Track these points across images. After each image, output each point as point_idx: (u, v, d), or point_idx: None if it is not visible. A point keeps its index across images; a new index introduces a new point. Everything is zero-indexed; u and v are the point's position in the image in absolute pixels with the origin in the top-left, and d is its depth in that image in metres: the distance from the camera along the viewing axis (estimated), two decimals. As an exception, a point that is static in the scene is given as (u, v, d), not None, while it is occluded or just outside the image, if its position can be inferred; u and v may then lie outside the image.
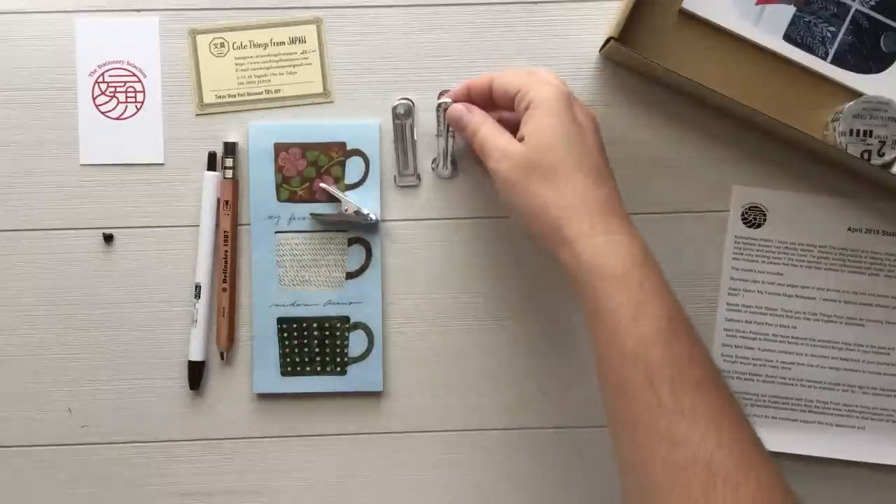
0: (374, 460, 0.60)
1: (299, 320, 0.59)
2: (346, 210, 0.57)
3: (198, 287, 0.58)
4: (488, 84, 0.54)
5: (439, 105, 0.58)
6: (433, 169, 0.59)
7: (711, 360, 0.47)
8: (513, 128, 0.53)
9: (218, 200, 0.58)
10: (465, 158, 0.59)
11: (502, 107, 0.54)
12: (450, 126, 0.57)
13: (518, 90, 0.52)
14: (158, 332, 0.59)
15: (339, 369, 0.59)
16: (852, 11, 0.57)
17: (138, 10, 0.58)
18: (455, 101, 0.56)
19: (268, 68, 0.59)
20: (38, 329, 0.59)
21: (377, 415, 0.60)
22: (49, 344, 0.59)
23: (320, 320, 0.59)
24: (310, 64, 0.59)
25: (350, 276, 0.59)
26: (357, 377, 0.59)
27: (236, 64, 0.59)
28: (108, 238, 0.59)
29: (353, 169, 0.59)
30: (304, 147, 0.59)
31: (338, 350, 0.59)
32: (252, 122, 0.59)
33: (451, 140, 0.58)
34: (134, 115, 0.59)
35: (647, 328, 0.45)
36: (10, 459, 0.59)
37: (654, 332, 0.45)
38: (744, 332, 0.60)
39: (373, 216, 0.58)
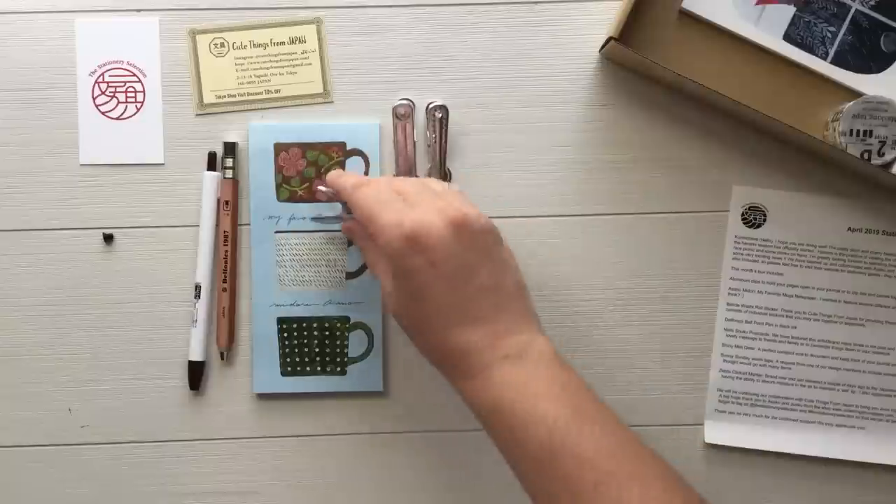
0: (374, 460, 0.60)
1: (299, 320, 0.59)
2: (348, 213, 0.57)
3: (198, 287, 0.58)
4: (345, 198, 0.53)
5: (431, 110, 0.58)
6: None
7: (593, 392, 0.48)
8: None
9: (218, 200, 0.58)
10: (457, 168, 0.59)
11: None
12: (436, 134, 0.58)
13: (369, 229, 0.50)
14: (158, 332, 0.59)
15: (339, 369, 0.59)
16: (852, 11, 0.57)
17: (138, 10, 0.58)
18: (326, 198, 0.56)
19: (268, 68, 0.59)
20: (38, 329, 0.59)
21: (377, 415, 0.60)
22: (49, 344, 0.59)
23: (320, 320, 0.59)
24: (310, 64, 0.59)
25: (350, 276, 0.59)
26: (357, 377, 0.59)
27: (236, 64, 0.59)
28: (108, 238, 0.59)
29: (353, 169, 0.59)
30: (304, 147, 0.59)
31: (338, 350, 0.59)
32: (252, 122, 0.59)
33: (444, 150, 0.58)
34: (134, 115, 0.59)
35: (537, 443, 0.46)
36: (10, 459, 0.59)
37: (544, 446, 0.46)
38: (744, 332, 0.60)
39: None
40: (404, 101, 0.58)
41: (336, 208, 0.58)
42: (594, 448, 0.45)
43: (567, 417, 0.46)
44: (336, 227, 0.59)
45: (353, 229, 0.56)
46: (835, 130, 0.56)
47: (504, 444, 0.48)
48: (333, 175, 0.54)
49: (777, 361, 0.60)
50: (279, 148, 0.59)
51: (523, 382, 0.47)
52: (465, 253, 0.47)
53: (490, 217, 0.59)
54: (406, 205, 0.48)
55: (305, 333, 0.59)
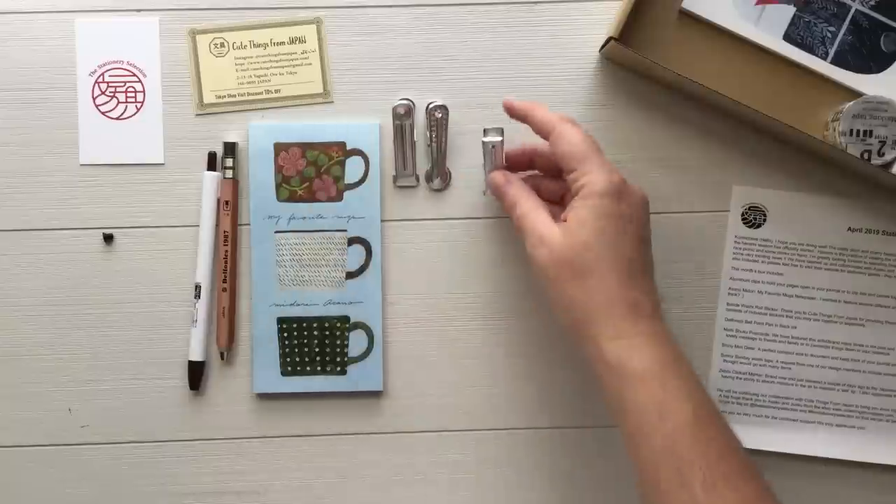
0: (374, 460, 0.60)
1: (299, 320, 0.59)
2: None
3: (198, 287, 0.58)
4: (548, 129, 0.53)
5: (431, 110, 0.58)
6: (426, 182, 0.59)
7: (741, 451, 0.49)
8: (546, 171, 0.56)
9: (218, 200, 0.58)
10: (457, 168, 0.59)
11: (553, 159, 0.54)
12: (436, 134, 0.58)
13: (575, 168, 0.51)
14: (158, 332, 0.59)
15: (339, 369, 0.59)
16: (852, 11, 0.57)
17: (138, 10, 0.58)
18: (511, 114, 0.55)
19: (268, 68, 0.59)
20: (38, 329, 0.59)
21: (377, 415, 0.60)
22: (49, 344, 0.59)
23: (320, 320, 0.59)
24: (310, 64, 0.59)
25: (350, 276, 0.59)
26: (357, 377, 0.59)
27: (236, 64, 0.59)
28: (108, 238, 0.59)
29: (353, 169, 0.59)
30: (304, 147, 0.59)
31: (338, 350, 0.59)
32: (252, 121, 0.59)
33: (443, 150, 0.58)
34: (134, 115, 0.59)
35: (673, 425, 0.47)
36: (10, 459, 0.59)
37: (680, 429, 0.47)
38: (744, 332, 0.60)
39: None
40: (404, 101, 0.58)
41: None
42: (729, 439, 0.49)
43: (709, 405, 0.49)
44: (336, 227, 0.58)
45: (500, 181, 0.55)
46: (835, 130, 0.56)
47: (640, 413, 0.49)
48: (532, 105, 0.54)
49: (777, 361, 0.60)
50: (279, 148, 0.59)
51: (671, 363, 0.49)
52: (647, 223, 0.52)
53: (492, 216, 0.59)
54: (607, 160, 0.52)
55: (305, 333, 0.59)
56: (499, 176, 0.55)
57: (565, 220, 0.51)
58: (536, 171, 0.57)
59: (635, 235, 0.51)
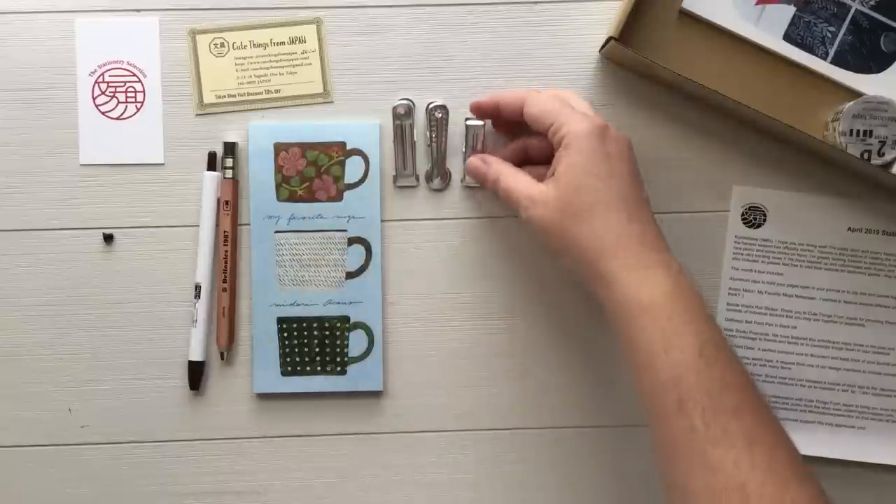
0: (374, 460, 0.60)
1: (299, 320, 0.59)
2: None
3: (198, 287, 0.58)
4: (520, 104, 0.54)
5: (431, 110, 0.58)
6: (426, 182, 0.59)
7: (749, 383, 0.48)
8: (540, 155, 0.56)
9: (218, 200, 0.58)
10: (457, 168, 0.59)
11: (533, 130, 0.54)
12: (436, 134, 0.58)
13: (552, 122, 0.52)
14: (158, 332, 0.59)
15: (339, 369, 0.59)
16: (852, 11, 0.57)
17: (138, 10, 0.58)
18: (482, 113, 0.57)
19: (268, 68, 0.59)
20: (38, 329, 0.59)
21: (377, 415, 0.60)
22: (49, 344, 0.59)
23: (320, 320, 0.59)
24: (310, 64, 0.59)
25: (350, 276, 0.59)
26: (357, 377, 0.59)
27: (236, 64, 0.59)
28: (108, 238, 0.59)
29: (353, 169, 0.59)
30: (304, 147, 0.59)
31: (338, 350, 0.59)
32: (252, 121, 0.59)
33: (443, 150, 0.58)
34: (134, 115, 0.59)
35: (678, 358, 0.47)
36: (10, 459, 0.59)
37: (686, 361, 0.47)
38: (744, 332, 0.60)
39: None
40: (404, 101, 0.58)
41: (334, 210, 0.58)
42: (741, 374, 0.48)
43: (716, 337, 0.49)
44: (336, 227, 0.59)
45: (477, 164, 0.56)
46: (835, 130, 0.56)
47: (645, 343, 0.49)
48: (495, 93, 0.56)
49: (777, 361, 0.60)
50: (279, 148, 0.59)
51: (684, 295, 0.49)
52: (635, 163, 0.52)
53: (492, 216, 0.59)
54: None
55: (305, 333, 0.59)
56: (475, 159, 0.56)
57: (553, 175, 0.51)
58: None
59: (626, 172, 0.51)
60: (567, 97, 0.54)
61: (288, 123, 0.59)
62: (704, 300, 0.50)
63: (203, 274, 0.58)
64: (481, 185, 0.57)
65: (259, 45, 0.59)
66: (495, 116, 0.57)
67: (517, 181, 0.53)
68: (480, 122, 0.57)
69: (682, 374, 0.47)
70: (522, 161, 0.57)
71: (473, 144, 0.58)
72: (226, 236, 0.58)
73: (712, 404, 0.46)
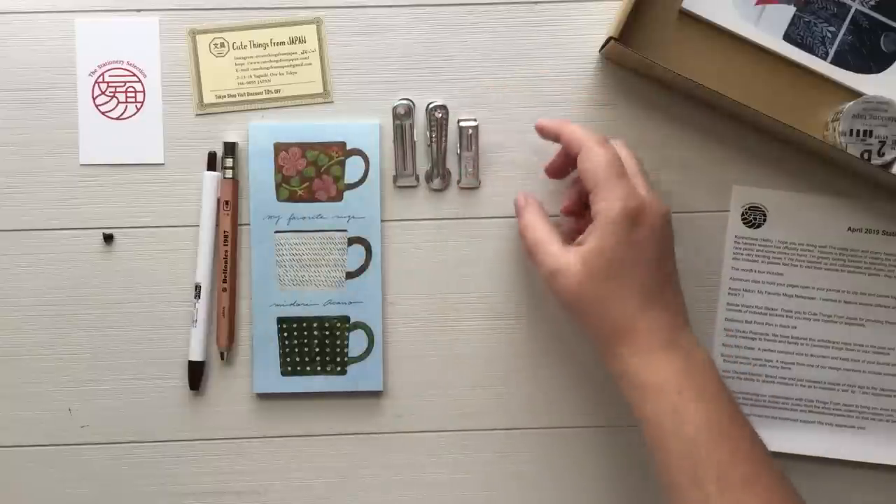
0: (374, 460, 0.60)
1: (299, 320, 0.59)
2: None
3: (198, 287, 0.58)
4: (577, 147, 0.53)
5: (431, 110, 0.58)
6: (426, 182, 0.59)
7: (762, 454, 0.50)
8: (577, 205, 0.57)
9: (218, 200, 0.59)
10: (456, 168, 0.59)
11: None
12: (436, 134, 0.58)
13: (593, 188, 0.52)
14: (158, 332, 0.59)
15: (339, 369, 0.59)
16: (852, 11, 0.57)
17: (138, 10, 0.58)
18: (544, 135, 0.56)
19: (268, 68, 0.59)
20: (38, 329, 0.59)
21: (377, 415, 0.60)
22: (49, 344, 0.59)
23: (320, 320, 0.59)
24: (310, 64, 0.59)
25: (350, 276, 0.59)
26: (357, 377, 0.59)
27: (236, 64, 0.59)
28: (108, 238, 0.59)
29: (353, 169, 0.59)
30: (304, 147, 0.59)
31: (338, 350, 0.59)
32: (252, 121, 0.59)
33: (443, 150, 0.58)
34: (134, 115, 0.59)
35: (689, 434, 0.48)
36: (10, 459, 0.59)
37: (697, 437, 0.48)
38: (744, 332, 0.60)
39: None
40: (404, 101, 0.58)
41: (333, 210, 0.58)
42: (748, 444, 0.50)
43: (730, 408, 0.50)
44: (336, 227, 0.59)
45: (519, 202, 0.57)
46: (835, 130, 0.56)
47: (657, 420, 0.50)
48: (561, 123, 0.55)
49: (777, 361, 0.60)
50: (279, 148, 0.59)
51: (691, 377, 0.50)
52: (665, 240, 0.52)
53: (492, 216, 0.59)
54: (629, 181, 0.52)
55: (305, 333, 0.59)
56: (520, 198, 0.57)
57: (581, 245, 0.52)
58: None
59: (652, 258, 0.51)
60: (622, 158, 0.53)
61: (288, 123, 0.59)
62: (718, 373, 0.51)
63: (203, 274, 0.58)
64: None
65: (259, 45, 0.59)
66: (555, 140, 0.56)
67: (544, 245, 0.53)
68: (474, 122, 0.58)
69: (694, 450, 0.48)
70: (564, 171, 0.58)
71: (467, 145, 0.58)
72: (226, 236, 0.58)
73: (725, 477, 0.47)
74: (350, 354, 0.59)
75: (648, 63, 0.55)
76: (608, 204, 0.51)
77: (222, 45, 0.59)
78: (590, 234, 0.52)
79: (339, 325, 0.59)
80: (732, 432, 0.49)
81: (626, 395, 0.52)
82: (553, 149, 0.59)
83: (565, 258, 0.52)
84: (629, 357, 0.51)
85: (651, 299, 0.51)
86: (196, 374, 0.59)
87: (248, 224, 0.59)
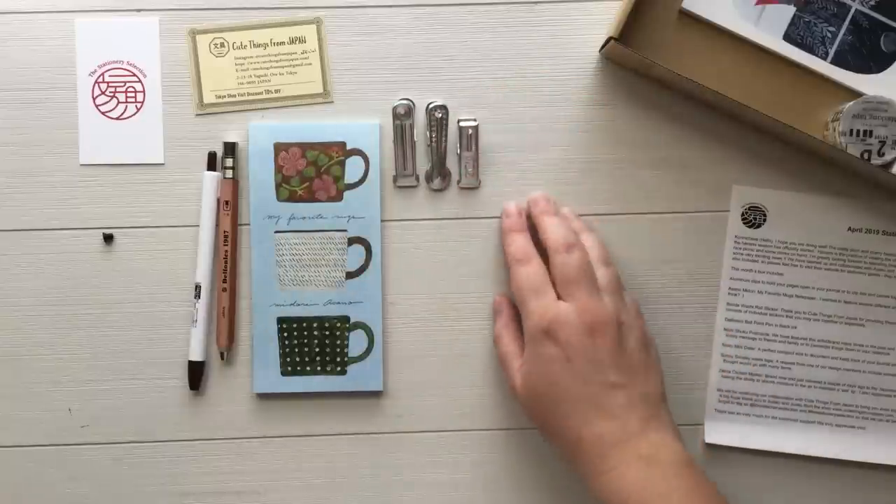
0: (374, 460, 0.60)
1: (299, 320, 0.59)
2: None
3: (198, 287, 0.58)
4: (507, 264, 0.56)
5: (431, 110, 0.58)
6: (426, 182, 0.59)
7: None
8: None
9: (218, 200, 0.59)
10: (457, 168, 0.59)
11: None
12: (436, 134, 0.58)
13: (520, 309, 0.54)
14: (158, 332, 0.59)
15: (339, 369, 0.59)
16: (852, 11, 0.57)
17: (138, 10, 0.58)
18: (512, 226, 0.57)
19: (268, 68, 0.59)
20: (38, 329, 0.59)
21: (377, 415, 0.60)
22: (49, 344, 0.59)
23: (320, 320, 0.59)
24: (310, 64, 0.59)
25: (350, 275, 0.59)
26: (357, 377, 0.59)
27: (236, 64, 0.59)
28: (108, 238, 0.59)
29: (353, 169, 0.59)
30: (304, 147, 0.59)
31: (338, 350, 0.59)
32: (252, 121, 0.59)
33: (443, 150, 0.58)
34: (134, 115, 0.59)
35: None
36: (10, 459, 0.59)
37: None
38: (744, 332, 0.60)
39: None
40: (404, 101, 0.58)
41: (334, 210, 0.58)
42: None
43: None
44: (338, 227, 0.59)
45: (499, 304, 0.59)
46: (835, 130, 0.56)
47: None
48: (509, 230, 0.57)
49: (777, 361, 0.60)
50: (279, 148, 0.59)
51: (653, 486, 0.49)
52: (596, 351, 0.52)
53: (492, 216, 0.59)
54: (551, 296, 0.53)
55: (305, 333, 0.59)
56: (497, 301, 0.58)
57: (521, 369, 0.54)
58: None
59: (579, 371, 0.51)
60: (566, 265, 0.53)
61: (288, 123, 0.59)
62: (693, 469, 0.51)
63: (203, 274, 0.58)
64: None
65: (259, 45, 0.59)
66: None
67: (508, 361, 0.56)
68: (474, 122, 0.58)
69: None
70: None
71: (467, 145, 0.58)
72: (226, 236, 0.58)
73: None
74: (350, 354, 0.59)
75: (648, 63, 0.55)
76: (526, 323, 0.53)
77: (222, 45, 0.59)
78: (525, 349, 0.54)
79: (339, 325, 0.59)
80: None
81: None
82: (554, 151, 0.59)
83: (516, 373, 0.54)
84: (585, 477, 0.52)
85: (594, 409, 0.51)
86: (196, 374, 0.59)
87: (248, 224, 0.59)
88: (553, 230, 0.55)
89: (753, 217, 0.60)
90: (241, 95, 0.59)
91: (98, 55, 0.58)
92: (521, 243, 0.56)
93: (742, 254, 0.60)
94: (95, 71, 0.59)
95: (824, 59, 0.57)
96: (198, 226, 0.59)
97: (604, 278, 0.54)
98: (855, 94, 0.57)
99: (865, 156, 0.55)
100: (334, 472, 0.60)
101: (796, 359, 0.60)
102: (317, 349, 0.59)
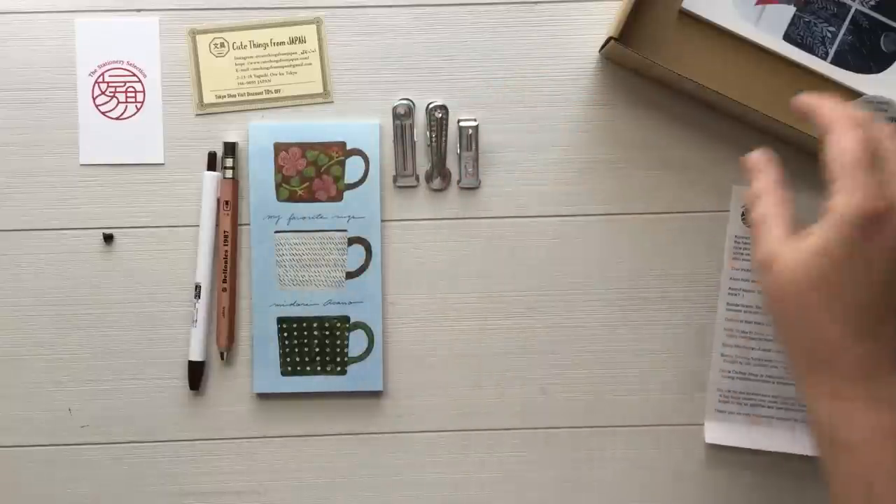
0: (374, 460, 0.60)
1: (299, 320, 0.59)
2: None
3: (198, 287, 0.58)
4: (824, 130, 0.45)
5: (431, 110, 0.58)
6: (426, 182, 0.59)
7: None
8: None
9: (218, 200, 0.59)
10: (457, 169, 0.59)
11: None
12: (436, 134, 0.58)
13: (833, 180, 0.43)
14: (158, 332, 0.59)
15: (339, 369, 0.59)
16: (852, 11, 0.57)
17: (138, 10, 0.58)
18: (797, 110, 0.48)
19: (268, 68, 0.59)
20: (38, 329, 0.59)
21: (377, 415, 0.60)
22: (49, 344, 0.59)
23: (320, 320, 0.59)
24: (310, 64, 0.59)
25: (350, 275, 0.59)
26: (357, 377, 0.59)
27: (236, 64, 0.59)
28: (108, 238, 0.59)
29: (353, 168, 0.59)
30: (304, 147, 0.59)
31: (338, 350, 0.59)
32: (252, 121, 0.59)
33: (443, 150, 0.58)
34: (134, 115, 0.59)
35: None
36: (10, 459, 0.59)
37: None
38: (744, 332, 0.60)
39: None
40: (404, 101, 0.58)
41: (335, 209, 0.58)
42: None
43: None
44: (337, 226, 0.59)
45: (755, 163, 0.49)
46: (835, 130, 0.56)
47: (845, 494, 0.42)
48: (819, 102, 0.46)
49: (777, 361, 0.60)
50: (279, 148, 0.59)
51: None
52: None
53: (492, 216, 0.59)
54: (881, 176, 0.42)
55: (305, 333, 0.59)
56: (754, 156, 0.48)
57: (804, 239, 0.43)
58: None
59: (881, 280, 0.42)
60: (886, 151, 0.43)
61: (288, 123, 0.59)
62: None
63: (203, 274, 0.58)
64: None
65: (259, 45, 0.59)
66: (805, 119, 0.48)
67: (768, 226, 0.45)
68: (474, 122, 0.58)
69: None
70: None
71: (467, 145, 0.58)
72: (226, 236, 0.58)
73: None
74: (350, 354, 0.59)
75: (648, 63, 0.55)
76: (844, 199, 0.42)
77: (222, 45, 0.59)
78: (814, 231, 0.43)
79: (339, 325, 0.59)
80: None
81: (815, 441, 0.44)
82: (554, 151, 0.59)
83: (780, 249, 0.43)
84: (824, 397, 0.43)
85: (866, 329, 0.42)
86: (196, 374, 0.59)
87: (248, 224, 0.59)
88: (840, 110, 0.44)
89: (753, 217, 0.60)
90: (241, 95, 0.59)
91: (98, 55, 0.58)
92: (844, 115, 0.44)
93: (742, 254, 0.60)
94: (95, 71, 0.59)
95: (824, 59, 0.57)
96: (198, 226, 0.59)
97: None
98: (855, 94, 0.57)
99: (865, 156, 0.55)
100: (334, 472, 0.60)
101: (796, 359, 0.60)
102: (317, 349, 0.59)
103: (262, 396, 0.60)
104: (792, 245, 0.43)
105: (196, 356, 0.59)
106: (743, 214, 0.59)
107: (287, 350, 0.59)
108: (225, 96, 0.59)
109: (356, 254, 0.59)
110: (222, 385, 0.60)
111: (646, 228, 0.60)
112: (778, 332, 0.45)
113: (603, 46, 0.57)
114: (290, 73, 0.59)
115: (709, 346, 0.60)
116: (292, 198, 0.59)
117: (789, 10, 0.57)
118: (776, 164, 0.48)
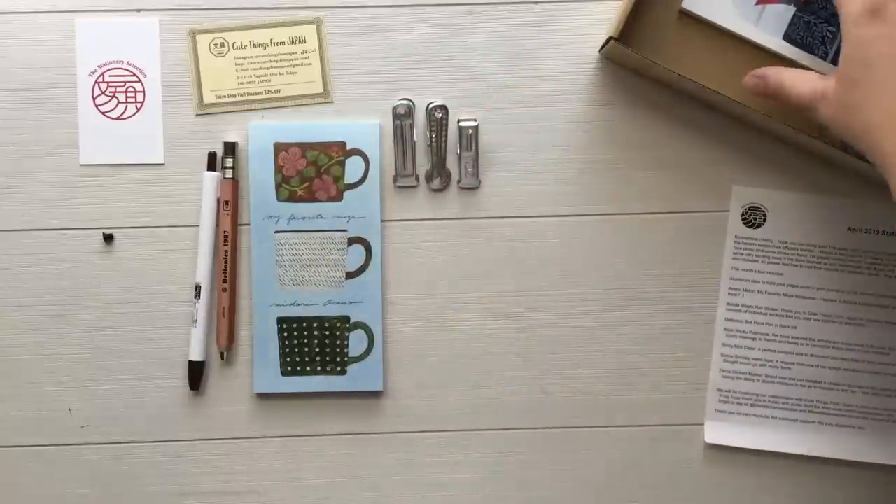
0: (374, 460, 0.60)
1: (299, 320, 0.59)
2: None
3: (198, 287, 0.58)
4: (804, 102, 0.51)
5: (431, 110, 0.58)
6: (426, 182, 0.59)
7: None
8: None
9: (218, 200, 0.59)
10: (457, 169, 0.59)
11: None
12: (436, 134, 0.58)
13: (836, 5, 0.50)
14: (158, 332, 0.59)
15: (339, 369, 0.59)
16: (852, 11, 0.57)
17: (138, 10, 0.58)
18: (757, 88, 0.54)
19: (268, 68, 0.59)
20: (38, 329, 0.59)
21: (377, 415, 0.60)
22: (49, 344, 0.59)
23: (320, 320, 0.59)
24: (310, 64, 0.59)
25: (350, 276, 0.59)
26: (357, 377, 0.59)
27: (236, 64, 0.59)
28: (108, 238, 0.59)
29: (353, 169, 0.59)
30: (304, 147, 0.59)
31: (338, 350, 0.59)
32: (252, 121, 0.59)
33: (443, 150, 0.58)
34: (134, 115, 0.59)
35: None
36: (10, 459, 0.59)
37: None
38: (744, 332, 0.60)
39: None
40: (404, 101, 0.58)
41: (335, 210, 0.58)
42: None
43: None
44: (336, 227, 0.59)
45: (758, 73, 0.54)
46: (835, 130, 0.56)
47: None
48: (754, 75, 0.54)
49: (777, 361, 0.60)
50: (279, 148, 0.59)
51: None
52: None
53: (492, 216, 0.59)
54: None
55: (305, 333, 0.59)
56: (751, 78, 0.54)
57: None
58: None
59: None
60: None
61: (288, 123, 0.59)
62: None
63: (203, 274, 0.58)
64: (768, 96, 0.54)
65: (259, 45, 0.59)
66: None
67: (797, 75, 0.51)
68: (474, 122, 0.58)
69: None
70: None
71: (467, 145, 0.58)
72: (226, 236, 0.58)
73: None
74: (350, 354, 0.59)
75: (648, 63, 0.55)
76: (845, 9, 0.49)
77: (222, 45, 0.59)
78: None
79: (339, 325, 0.59)
80: None
81: None
82: (554, 151, 0.59)
83: (822, 82, 0.50)
84: None
85: None
86: (196, 374, 0.59)
87: (248, 224, 0.59)
88: None
89: (753, 217, 0.60)
90: (241, 95, 0.59)
91: (98, 55, 0.58)
92: None
93: (742, 254, 0.60)
94: (95, 71, 0.59)
95: (824, 59, 0.57)
96: (198, 226, 0.59)
97: None
98: (855, 94, 0.57)
99: (865, 156, 0.55)
100: (334, 472, 0.60)
101: (796, 359, 0.60)
102: (317, 349, 0.59)
103: (262, 396, 0.60)
104: (825, 77, 0.49)
105: (196, 356, 0.59)
106: (743, 215, 0.59)
107: (287, 350, 0.59)
108: (225, 96, 0.59)
109: (356, 254, 0.59)
110: (222, 385, 0.60)
111: (646, 228, 0.60)
112: (849, 136, 0.49)
113: (603, 46, 0.57)
114: (290, 73, 0.59)
115: (709, 346, 0.60)
116: (292, 198, 0.59)
117: (789, 10, 0.57)
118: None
